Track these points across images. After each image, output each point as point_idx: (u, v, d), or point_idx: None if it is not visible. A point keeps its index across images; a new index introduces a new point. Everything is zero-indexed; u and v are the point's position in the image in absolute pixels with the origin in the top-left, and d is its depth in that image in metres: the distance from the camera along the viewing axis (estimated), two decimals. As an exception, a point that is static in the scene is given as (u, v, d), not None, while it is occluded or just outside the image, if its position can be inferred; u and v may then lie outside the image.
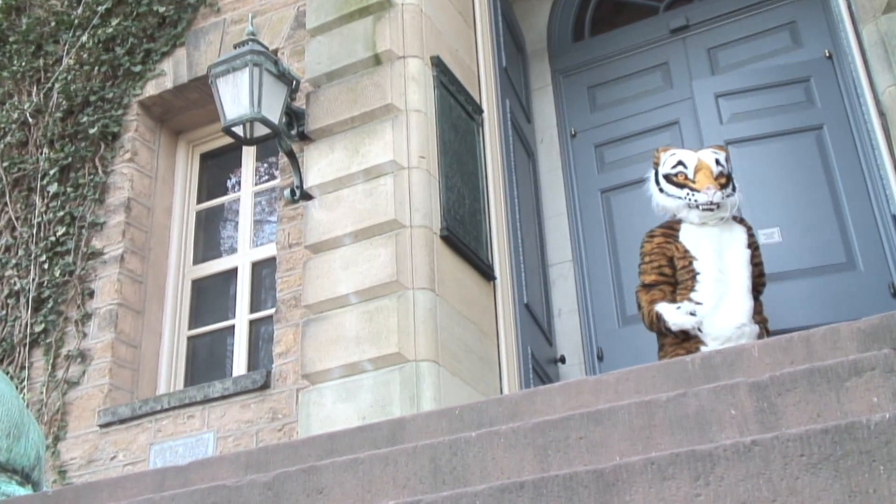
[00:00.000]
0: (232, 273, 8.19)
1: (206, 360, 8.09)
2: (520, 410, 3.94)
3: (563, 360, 7.58)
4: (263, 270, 8.03)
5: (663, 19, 8.48)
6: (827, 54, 7.59)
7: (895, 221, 6.57)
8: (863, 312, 4.59)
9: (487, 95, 7.48)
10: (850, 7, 6.62)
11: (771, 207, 7.29)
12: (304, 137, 6.90)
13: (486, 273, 6.79)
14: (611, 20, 8.84)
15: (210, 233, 8.64)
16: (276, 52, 7.69)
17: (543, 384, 6.55)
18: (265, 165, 8.52)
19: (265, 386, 6.92)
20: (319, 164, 6.67)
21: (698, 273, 5.81)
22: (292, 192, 6.81)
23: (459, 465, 3.30)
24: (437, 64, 6.87)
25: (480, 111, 7.34)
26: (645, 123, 8.10)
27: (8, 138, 8.61)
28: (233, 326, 7.94)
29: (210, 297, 8.31)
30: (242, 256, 8.17)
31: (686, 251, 5.90)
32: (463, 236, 6.55)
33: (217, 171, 8.85)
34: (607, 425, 3.22)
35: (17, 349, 7.78)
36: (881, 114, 6.19)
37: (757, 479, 2.45)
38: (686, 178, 6.00)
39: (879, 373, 3.00)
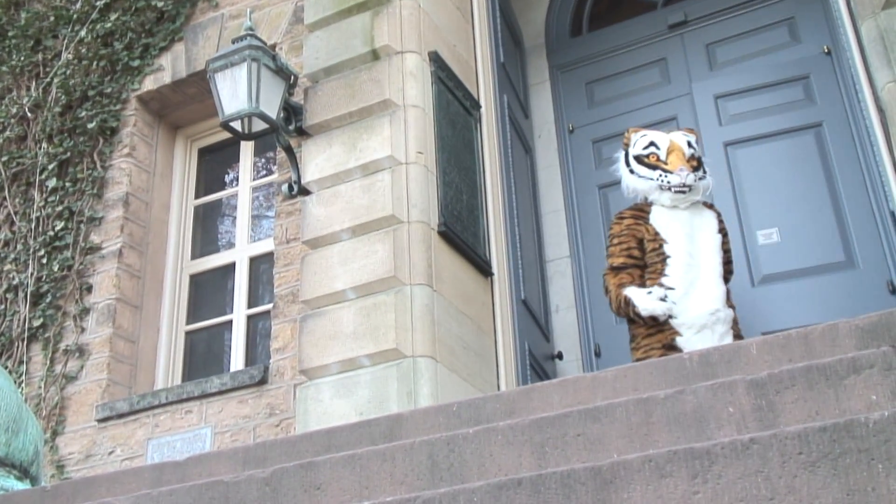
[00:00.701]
0: (230, 268, 8.19)
1: (203, 356, 8.09)
2: (517, 407, 3.94)
3: (560, 356, 7.58)
4: (261, 266, 8.02)
5: (661, 15, 8.48)
6: (825, 50, 7.59)
7: (893, 218, 6.56)
8: (862, 311, 4.59)
9: (485, 91, 7.47)
10: (848, 3, 6.62)
11: (769, 208, 7.30)
12: (302, 132, 6.89)
13: (484, 269, 6.79)
14: (609, 16, 8.84)
15: (208, 228, 8.63)
16: (274, 47, 7.68)
17: (541, 380, 6.54)
18: (263, 160, 8.51)
19: (262, 381, 6.92)
20: (317, 160, 6.67)
21: (669, 256, 5.75)
22: (290, 188, 6.81)
23: (457, 462, 3.30)
24: (435, 59, 6.86)
25: (478, 106, 7.33)
26: (643, 119, 8.08)
27: (7, 133, 8.60)
28: (230, 321, 7.94)
29: (208, 292, 8.31)
30: (240, 251, 8.16)
31: (657, 233, 5.83)
32: (460, 232, 6.55)
33: (215, 166, 8.84)
34: (605, 422, 3.22)
35: (16, 344, 7.78)
36: (880, 110, 6.19)
37: (755, 477, 2.45)
38: (658, 159, 5.95)
39: (878, 370, 3.00)
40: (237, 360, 7.68)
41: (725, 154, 7.49)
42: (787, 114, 7.53)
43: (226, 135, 7.87)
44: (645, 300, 5.64)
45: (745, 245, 7.20)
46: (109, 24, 8.55)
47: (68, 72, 8.58)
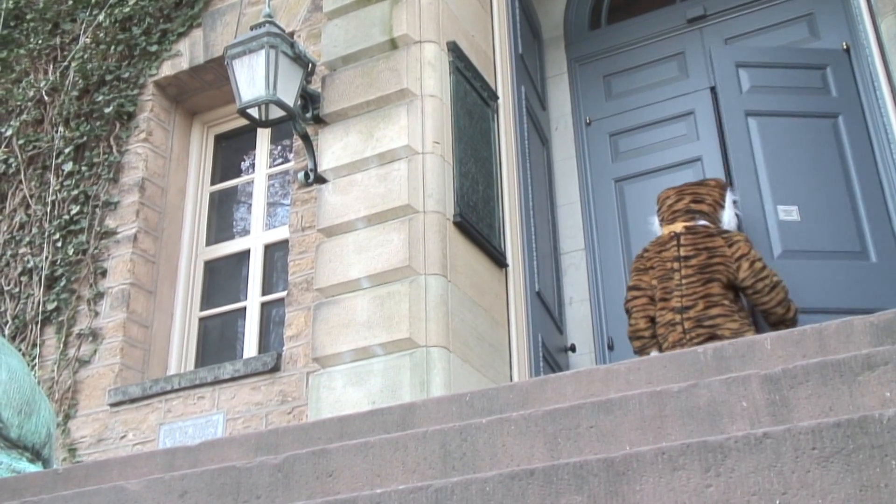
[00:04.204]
0: (244, 255, 8.20)
1: (216, 342, 8.10)
2: (530, 398, 3.94)
3: (573, 348, 7.57)
4: (276, 253, 8.03)
5: (680, 9, 8.46)
6: (844, 47, 7.56)
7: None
8: (874, 302, 4.60)
9: (503, 82, 7.46)
10: (868, 0, 6.60)
11: (789, 185, 7.23)
12: (319, 121, 6.89)
13: (499, 260, 6.78)
14: (627, 9, 8.82)
15: (223, 214, 8.65)
16: (292, 34, 7.69)
17: (553, 372, 6.54)
18: (279, 148, 8.52)
19: (275, 368, 6.93)
20: (334, 148, 6.67)
21: None
22: (306, 175, 6.81)
23: (469, 451, 3.30)
24: (454, 49, 6.85)
25: (496, 97, 7.32)
26: (660, 113, 8.09)
27: (24, 116, 8.63)
28: (244, 308, 7.95)
29: (222, 278, 8.33)
30: (255, 239, 8.17)
31: None
32: (476, 223, 6.54)
33: (231, 152, 8.85)
34: (618, 414, 3.21)
35: (30, 327, 7.81)
36: (897, 106, 6.19)
37: (768, 472, 2.44)
38: None
39: (892, 367, 2.99)
40: (250, 347, 7.70)
41: (746, 123, 7.41)
42: (806, 99, 7.48)
43: (243, 121, 7.88)
44: None
45: (764, 217, 7.09)
46: (128, 9, 8.56)
47: (86, 56, 8.60)
